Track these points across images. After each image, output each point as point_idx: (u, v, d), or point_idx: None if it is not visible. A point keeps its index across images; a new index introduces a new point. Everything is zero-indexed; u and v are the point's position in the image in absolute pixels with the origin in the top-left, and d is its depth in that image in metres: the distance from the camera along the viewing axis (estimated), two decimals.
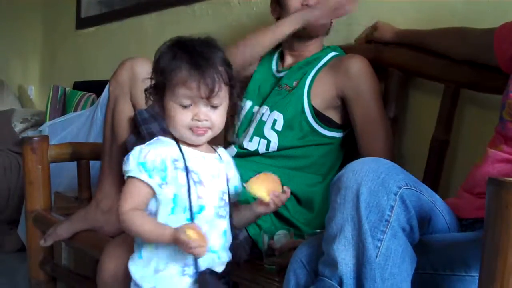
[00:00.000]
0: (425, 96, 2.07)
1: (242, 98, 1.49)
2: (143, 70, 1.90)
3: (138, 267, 1.39)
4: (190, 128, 1.35)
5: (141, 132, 1.88)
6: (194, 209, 1.34)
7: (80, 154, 2.49)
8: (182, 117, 1.34)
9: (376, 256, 1.08)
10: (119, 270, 1.63)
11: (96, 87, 3.60)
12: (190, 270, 1.35)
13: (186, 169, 1.34)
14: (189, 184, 1.33)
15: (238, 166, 1.89)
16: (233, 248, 1.44)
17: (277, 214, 1.84)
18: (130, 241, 1.47)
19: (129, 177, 1.33)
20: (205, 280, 1.34)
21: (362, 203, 1.10)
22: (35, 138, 2.41)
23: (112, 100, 2.01)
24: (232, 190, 1.47)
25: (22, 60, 4.89)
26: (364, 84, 1.91)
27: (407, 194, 1.13)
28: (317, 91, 1.95)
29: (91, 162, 2.53)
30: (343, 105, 1.94)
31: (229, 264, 1.42)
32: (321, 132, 1.94)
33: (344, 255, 1.10)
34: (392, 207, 1.10)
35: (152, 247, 1.36)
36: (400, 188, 1.12)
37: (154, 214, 1.36)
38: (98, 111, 3.37)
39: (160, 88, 1.37)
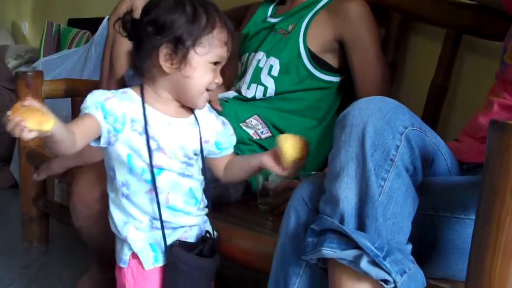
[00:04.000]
0: (426, 41, 2.06)
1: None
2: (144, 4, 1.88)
3: (118, 213, 1.37)
4: (207, 89, 1.33)
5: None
6: (151, 174, 1.31)
7: (75, 90, 2.47)
8: (210, 76, 1.32)
9: (379, 195, 1.07)
10: (87, 195, 1.65)
11: (91, 24, 3.56)
12: (158, 223, 1.34)
13: (147, 134, 1.29)
14: (150, 151, 1.30)
15: (236, 105, 1.89)
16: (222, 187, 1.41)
17: None
18: (100, 168, 1.45)
19: (85, 114, 1.26)
20: (174, 253, 1.32)
21: (367, 142, 1.08)
22: (30, 73, 2.40)
23: (111, 34, 1.98)
24: (212, 147, 1.41)
25: None
26: (363, 27, 1.88)
27: (413, 134, 1.11)
28: (313, 34, 1.91)
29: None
30: (341, 48, 1.92)
31: (205, 234, 1.39)
32: (318, 76, 1.92)
33: (346, 193, 1.09)
34: (398, 146, 1.09)
35: (122, 197, 1.35)
36: (406, 128, 1.10)
37: (115, 170, 1.33)
38: (93, 49, 3.34)
39: (189, 41, 1.29)
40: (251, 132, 1.84)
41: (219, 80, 1.34)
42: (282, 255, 1.26)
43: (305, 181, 1.29)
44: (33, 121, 1.08)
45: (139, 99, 1.32)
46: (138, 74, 1.35)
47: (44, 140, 1.16)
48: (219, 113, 1.84)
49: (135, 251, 1.34)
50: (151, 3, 1.33)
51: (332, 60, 1.93)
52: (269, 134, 1.86)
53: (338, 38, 1.90)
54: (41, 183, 2.48)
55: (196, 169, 1.39)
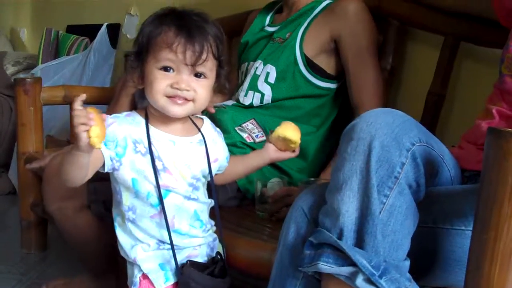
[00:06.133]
0: (424, 48, 2.06)
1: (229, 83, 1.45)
2: None
3: (125, 237, 1.37)
4: (168, 97, 1.27)
5: None
6: (159, 195, 1.31)
7: (73, 97, 2.44)
8: (161, 82, 1.26)
9: (380, 212, 1.07)
10: (55, 177, 1.69)
11: (89, 31, 3.56)
12: (165, 245, 1.34)
13: (151, 154, 1.29)
14: (155, 171, 1.29)
15: (234, 111, 1.90)
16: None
17: None
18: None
19: None
20: (187, 273, 1.31)
21: (373, 157, 1.07)
22: (28, 80, 2.40)
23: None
24: (224, 163, 1.45)
25: (14, 2, 4.81)
26: (360, 26, 1.88)
27: (419, 150, 1.10)
28: (310, 39, 1.92)
29: (84, 106, 2.51)
30: (336, 50, 1.92)
31: (216, 255, 1.39)
32: (315, 83, 1.93)
33: (347, 207, 1.08)
34: (403, 164, 1.08)
35: (128, 222, 1.35)
36: (413, 145, 1.09)
37: (121, 195, 1.34)
38: (92, 55, 3.35)
39: (142, 54, 1.30)
40: (244, 135, 1.85)
41: (180, 86, 1.26)
42: (280, 266, 1.26)
43: (306, 192, 1.28)
44: (99, 130, 1.12)
45: (143, 120, 1.32)
46: (142, 98, 1.37)
47: (71, 159, 1.19)
48: (215, 116, 1.86)
49: (144, 272, 1.33)
50: None
51: (326, 64, 1.93)
52: (264, 138, 1.86)
53: (334, 37, 1.90)
54: (39, 189, 2.48)
55: (202, 193, 1.39)
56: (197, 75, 1.29)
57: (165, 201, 1.31)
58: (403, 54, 2.10)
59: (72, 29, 3.89)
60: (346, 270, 1.06)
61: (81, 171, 1.22)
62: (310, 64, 1.91)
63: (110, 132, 1.26)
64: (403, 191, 1.09)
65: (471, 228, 0.99)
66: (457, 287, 1.16)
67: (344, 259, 1.07)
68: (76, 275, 1.98)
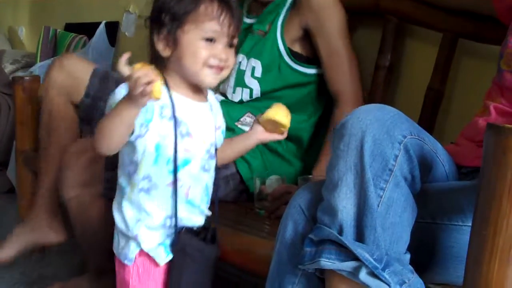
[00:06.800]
0: (422, 45, 2.06)
1: None
2: (77, 67, 1.96)
3: (131, 211, 1.36)
4: (208, 66, 1.31)
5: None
6: (179, 162, 1.31)
7: None
8: (204, 52, 1.30)
9: (378, 205, 1.07)
10: (75, 163, 1.72)
11: (88, 29, 3.56)
12: (170, 221, 1.34)
13: (175, 119, 1.30)
14: (176, 136, 1.30)
15: (227, 107, 1.91)
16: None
17: (270, 149, 1.88)
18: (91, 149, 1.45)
19: None
20: (183, 239, 1.33)
21: (366, 151, 1.07)
22: (27, 78, 2.40)
23: (49, 102, 2.01)
24: (219, 137, 1.45)
25: (12, 0, 4.81)
26: (325, 15, 1.88)
27: (411, 143, 1.11)
28: (288, 29, 1.92)
29: None
30: (307, 37, 1.92)
31: (207, 220, 1.41)
32: (300, 70, 1.93)
33: (345, 203, 1.09)
34: (396, 156, 1.08)
35: (140, 192, 1.34)
36: (405, 137, 1.10)
37: (137, 164, 1.32)
38: (90, 54, 3.34)
39: (175, 22, 1.31)
40: (247, 129, 1.84)
41: (222, 56, 1.31)
42: (278, 263, 1.26)
43: (303, 189, 1.29)
44: (159, 85, 1.16)
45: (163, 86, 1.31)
46: (158, 64, 1.33)
47: (123, 115, 1.21)
48: None
49: (145, 250, 1.33)
50: None
51: (302, 49, 1.94)
52: None
53: (303, 26, 1.90)
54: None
55: (212, 164, 1.40)
56: (230, 45, 1.34)
57: (182, 171, 1.32)
58: (401, 51, 2.10)
59: (70, 27, 3.89)
60: (348, 265, 1.06)
61: (129, 128, 1.25)
62: (292, 53, 1.92)
63: None
64: (399, 183, 1.09)
65: (469, 224, 1.00)
66: (456, 284, 1.17)
67: (346, 254, 1.07)
68: (72, 278, 1.98)
